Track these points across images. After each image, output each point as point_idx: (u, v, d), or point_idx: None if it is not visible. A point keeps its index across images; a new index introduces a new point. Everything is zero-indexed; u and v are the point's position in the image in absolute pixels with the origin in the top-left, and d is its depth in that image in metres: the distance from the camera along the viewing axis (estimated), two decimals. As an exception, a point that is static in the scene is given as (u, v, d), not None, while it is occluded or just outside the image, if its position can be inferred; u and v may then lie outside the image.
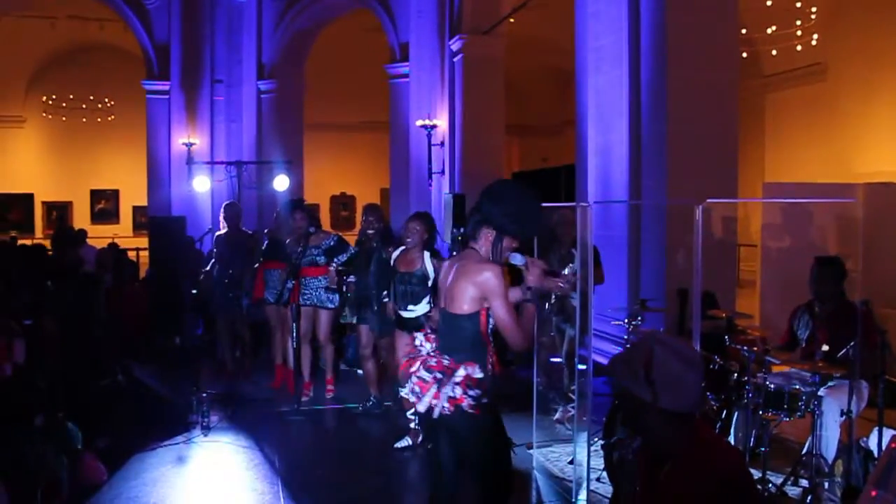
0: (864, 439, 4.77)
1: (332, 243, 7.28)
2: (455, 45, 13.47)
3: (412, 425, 6.04)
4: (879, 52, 13.41)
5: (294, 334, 6.99)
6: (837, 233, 7.23)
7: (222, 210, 8.44)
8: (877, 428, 4.59)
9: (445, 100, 13.72)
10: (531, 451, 5.92)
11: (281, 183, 11.28)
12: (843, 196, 8.60)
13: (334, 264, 7.18)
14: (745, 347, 4.76)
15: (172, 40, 17.62)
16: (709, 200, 3.57)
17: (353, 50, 19.21)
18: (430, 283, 5.86)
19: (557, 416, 6.62)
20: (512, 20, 13.74)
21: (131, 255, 12.82)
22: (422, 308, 5.91)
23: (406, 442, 6.06)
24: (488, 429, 3.52)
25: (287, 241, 7.49)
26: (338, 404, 7.39)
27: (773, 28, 14.39)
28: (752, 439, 4.92)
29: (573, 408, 5.78)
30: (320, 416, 7.16)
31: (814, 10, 13.88)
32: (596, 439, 5.45)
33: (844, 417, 4.62)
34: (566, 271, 4.09)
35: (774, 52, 14.89)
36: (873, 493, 1.33)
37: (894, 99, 13.34)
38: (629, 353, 2.49)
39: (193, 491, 5.29)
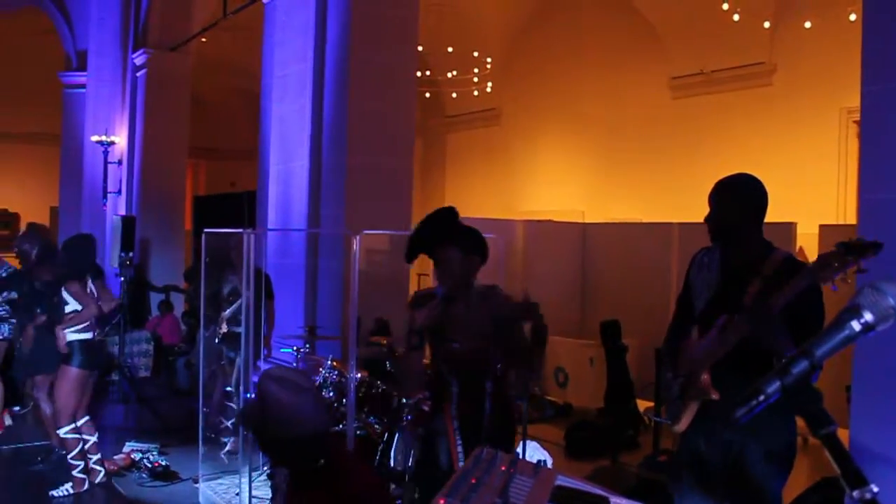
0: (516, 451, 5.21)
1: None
2: (139, 58, 12.77)
3: (76, 472, 5.54)
4: (544, 103, 14.94)
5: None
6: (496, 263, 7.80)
7: None
8: (522, 441, 5.05)
9: (125, 115, 12.93)
10: (197, 486, 5.70)
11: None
12: (507, 231, 9.43)
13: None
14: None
15: None
16: (365, 231, 3.69)
17: (22, 53, 17.39)
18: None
19: (228, 447, 6.43)
20: (203, 39, 13.34)
21: None
22: None
23: (66, 490, 5.53)
24: None
25: None
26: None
27: (455, 72, 15.48)
28: (412, 460, 5.13)
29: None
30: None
31: (489, 59, 15.16)
32: (264, 469, 5.40)
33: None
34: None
35: (455, 95, 16.01)
36: (441, 501, 1.43)
37: (555, 145, 14.93)
38: (250, 400, 2.63)
39: None
